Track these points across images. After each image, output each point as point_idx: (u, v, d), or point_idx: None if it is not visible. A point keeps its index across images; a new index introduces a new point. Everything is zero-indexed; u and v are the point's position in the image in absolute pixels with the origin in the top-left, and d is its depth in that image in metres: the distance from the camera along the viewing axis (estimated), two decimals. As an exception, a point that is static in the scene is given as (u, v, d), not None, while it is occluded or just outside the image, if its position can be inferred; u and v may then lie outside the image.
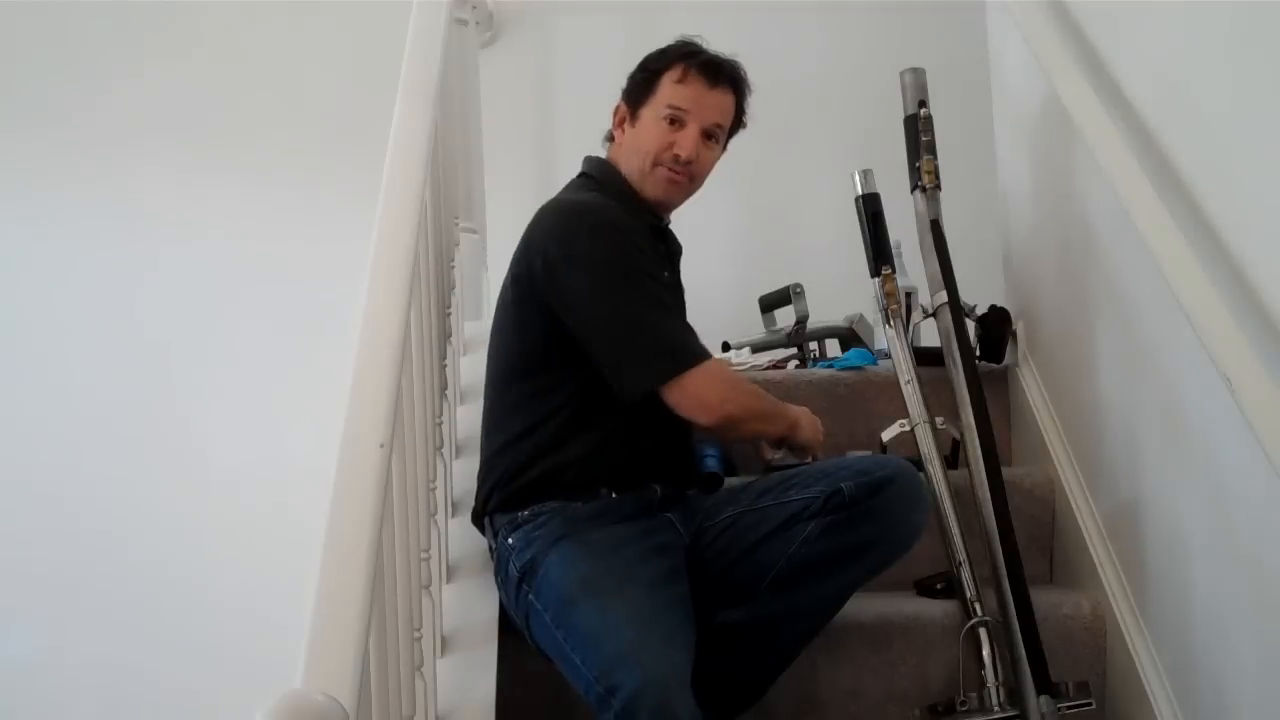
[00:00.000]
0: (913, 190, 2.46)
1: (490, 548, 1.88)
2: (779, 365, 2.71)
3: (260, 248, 3.15)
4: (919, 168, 2.44)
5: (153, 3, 3.30)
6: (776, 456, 1.95)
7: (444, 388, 2.05)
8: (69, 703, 2.88)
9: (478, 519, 1.92)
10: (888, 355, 2.42)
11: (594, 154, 2.03)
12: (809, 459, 1.95)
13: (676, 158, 1.92)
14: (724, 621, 1.82)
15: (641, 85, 1.96)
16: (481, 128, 2.75)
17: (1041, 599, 2.04)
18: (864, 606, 1.98)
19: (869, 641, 2.01)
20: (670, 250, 2.04)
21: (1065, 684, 1.95)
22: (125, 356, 3.11)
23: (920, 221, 2.43)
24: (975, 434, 2.17)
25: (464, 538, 1.98)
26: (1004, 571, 2.03)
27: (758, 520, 1.82)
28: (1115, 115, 2.06)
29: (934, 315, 2.39)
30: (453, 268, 2.30)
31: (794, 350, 2.79)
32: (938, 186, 2.44)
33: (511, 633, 1.86)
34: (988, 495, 2.10)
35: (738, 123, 2.00)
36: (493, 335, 1.98)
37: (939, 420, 2.24)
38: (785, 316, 2.86)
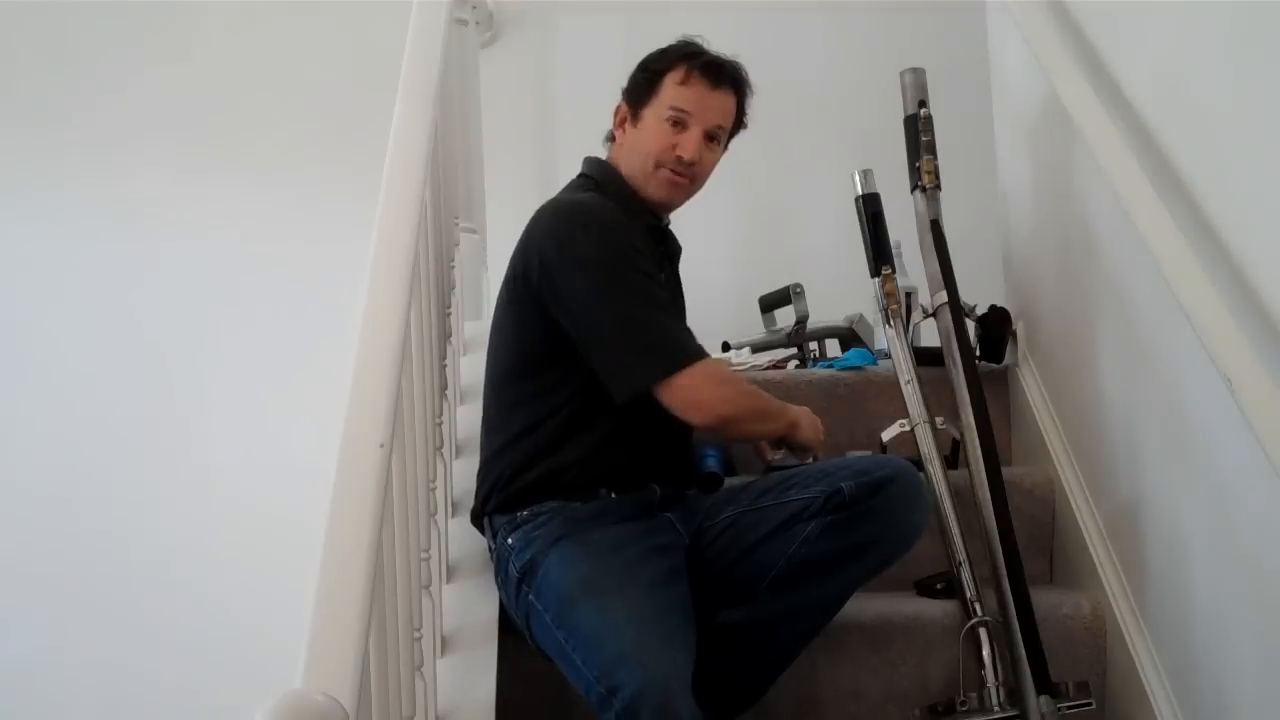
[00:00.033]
0: (913, 190, 2.46)
1: (490, 548, 1.88)
2: (779, 365, 2.71)
3: (260, 248, 3.15)
4: (919, 168, 2.44)
5: (153, 3, 3.30)
6: (777, 457, 1.95)
7: (444, 388, 2.05)
8: (69, 703, 2.88)
9: (477, 519, 1.92)
10: (888, 355, 2.42)
11: (594, 154, 2.03)
12: (810, 459, 1.94)
13: (679, 159, 1.92)
14: (724, 621, 1.82)
15: (643, 86, 1.95)
16: (481, 128, 2.75)
17: (1041, 599, 2.04)
18: (864, 606, 1.98)
19: (869, 641, 2.01)
20: (670, 251, 2.04)
21: (1065, 684, 1.95)
22: (125, 356, 3.11)
23: (920, 221, 2.43)
24: (975, 434, 2.17)
25: (464, 538, 1.98)
26: (1004, 571, 2.03)
27: (758, 520, 1.82)
28: (1115, 115, 2.06)
29: (934, 315, 2.39)
30: (453, 268, 2.30)
31: (794, 350, 2.79)
32: (938, 186, 2.44)
33: (511, 632, 1.86)
34: (988, 495, 2.10)
35: (738, 123, 2.00)
36: (492, 335, 1.98)
37: (939, 420, 2.24)
38: (785, 316, 2.86)
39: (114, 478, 3.00)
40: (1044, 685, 1.93)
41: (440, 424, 1.98)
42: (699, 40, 1.98)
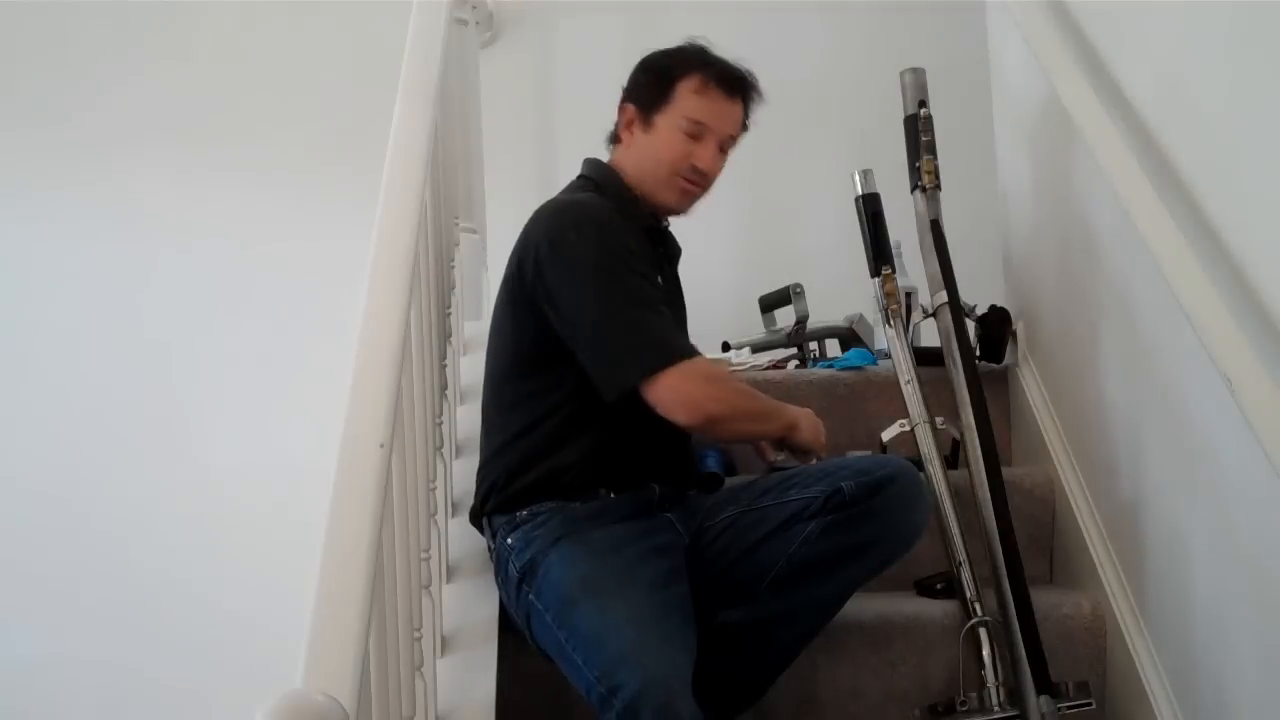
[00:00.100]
0: (913, 190, 2.46)
1: (489, 548, 1.88)
2: (779, 365, 2.71)
3: (260, 248, 3.15)
4: (919, 168, 2.44)
5: (153, 3, 3.30)
6: (779, 458, 1.94)
7: (444, 388, 2.05)
8: (69, 703, 2.88)
9: (476, 519, 1.92)
10: (888, 355, 2.42)
11: (594, 154, 2.03)
12: (812, 460, 1.93)
13: (694, 169, 1.93)
14: (724, 621, 1.82)
15: (654, 90, 1.94)
16: (481, 128, 2.75)
17: (1041, 599, 2.04)
18: (864, 606, 1.98)
19: (869, 641, 2.01)
20: (669, 252, 2.04)
21: (1065, 684, 1.95)
22: (125, 356, 3.11)
23: (920, 221, 2.43)
24: (975, 434, 2.17)
25: (464, 538, 1.98)
26: (1004, 571, 2.03)
27: (758, 520, 1.82)
28: (1115, 115, 2.06)
29: (934, 315, 2.39)
30: (453, 268, 2.30)
31: (794, 350, 2.79)
32: (938, 186, 2.44)
33: (511, 632, 1.86)
34: (988, 495, 2.10)
35: (742, 127, 2.00)
36: (491, 335, 1.98)
37: (939, 420, 2.24)
38: (785, 316, 2.86)
39: (114, 478, 3.00)
40: (1044, 685, 1.93)
41: (440, 424, 1.98)
42: (704, 42, 1.98)
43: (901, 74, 2.51)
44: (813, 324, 2.81)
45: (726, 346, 2.85)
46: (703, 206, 2.09)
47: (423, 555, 1.69)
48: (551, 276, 1.82)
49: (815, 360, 2.78)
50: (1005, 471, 2.17)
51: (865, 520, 1.77)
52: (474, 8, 2.87)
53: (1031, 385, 2.51)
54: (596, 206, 1.90)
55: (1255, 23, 1.75)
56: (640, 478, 1.86)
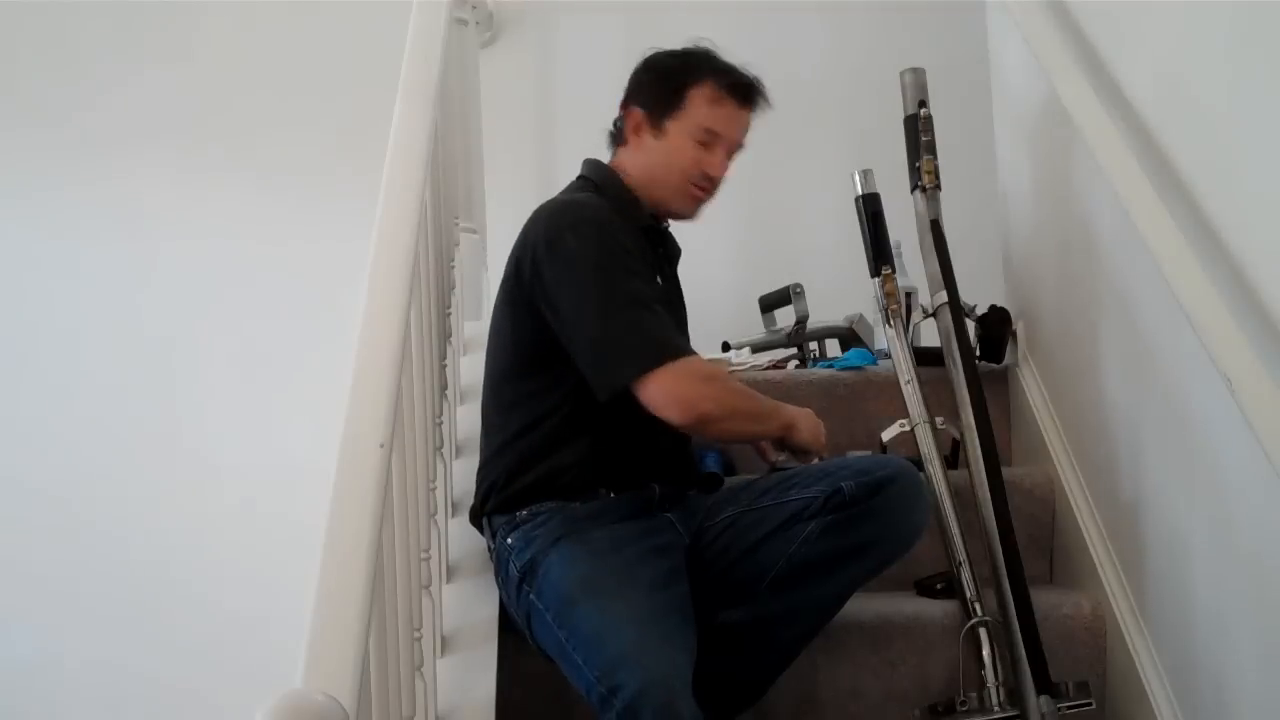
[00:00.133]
0: (913, 190, 2.46)
1: (489, 548, 1.88)
2: (779, 365, 2.71)
3: (260, 248, 3.15)
4: (919, 168, 2.44)
5: (153, 3, 3.30)
6: (780, 459, 1.94)
7: (444, 388, 2.05)
8: (69, 703, 2.88)
9: (476, 519, 1.92)
10: (888, 355, 2.42)
11: (594, 154, 2.03)
12: (814, 461, 1.92)
13: (705, 175, 1.94)
14: (724, 621, 1.82)
15: (665, 95, 1.94)
16: (481, 128, 2.75)
17: (1041, 599, 2.04)
18: (864, 606, 1.98)
19: (869, 641, 2.01)
20: (669, 252, 2.04)
21: (1065, 684, 1.94)
22: (125, 356, 3.11)
23: (920, 221, 2.43)
24: (975, 434, 2.17)
25: (464, 538, 1.98)
26: (1004, 571, 2.03)
27: (758, 520, 1.82)
28: (1115, 115, 2.06)
29: (934, 315, 2.38)
30: (453, 268, 2.30)
31: (794, 350, 2.79)
32: (938, 186, 2.44)
33: (512, 632, 1.86)
34: (988, 495, 2.10)
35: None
36: (490, 335, 1.98)
37: (939, 420, 2.24)
38: (785, 316, 2.86)
39: (114, 478, 3.00)
40: (1044, 685, 1.93)
41: (440, 424, 1.98)
42: (709, 43, 1.97)
43: (901, 74, 2.51)
44: (813, 324, 2.81)
45: (726, 346, 2.85)
46: (702, 207, 2.09)
47: (423, 555, 1.69)
48: (548, 276, 1.82)
49: (815, 360, 2.78)
50: (1005, 471, 2.17)
51: (865, 520, 1.77)
52: (474, 8, 2.87)
53: (1031, 385, 2.51)
54: (594, 207, 1.90)
55: (1255, 23, 1.75)
56: (640, 478, 1.86)
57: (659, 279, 1.94)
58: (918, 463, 2.13)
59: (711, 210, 2.04)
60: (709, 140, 1.93)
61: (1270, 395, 1.57)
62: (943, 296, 2.35)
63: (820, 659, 1.99)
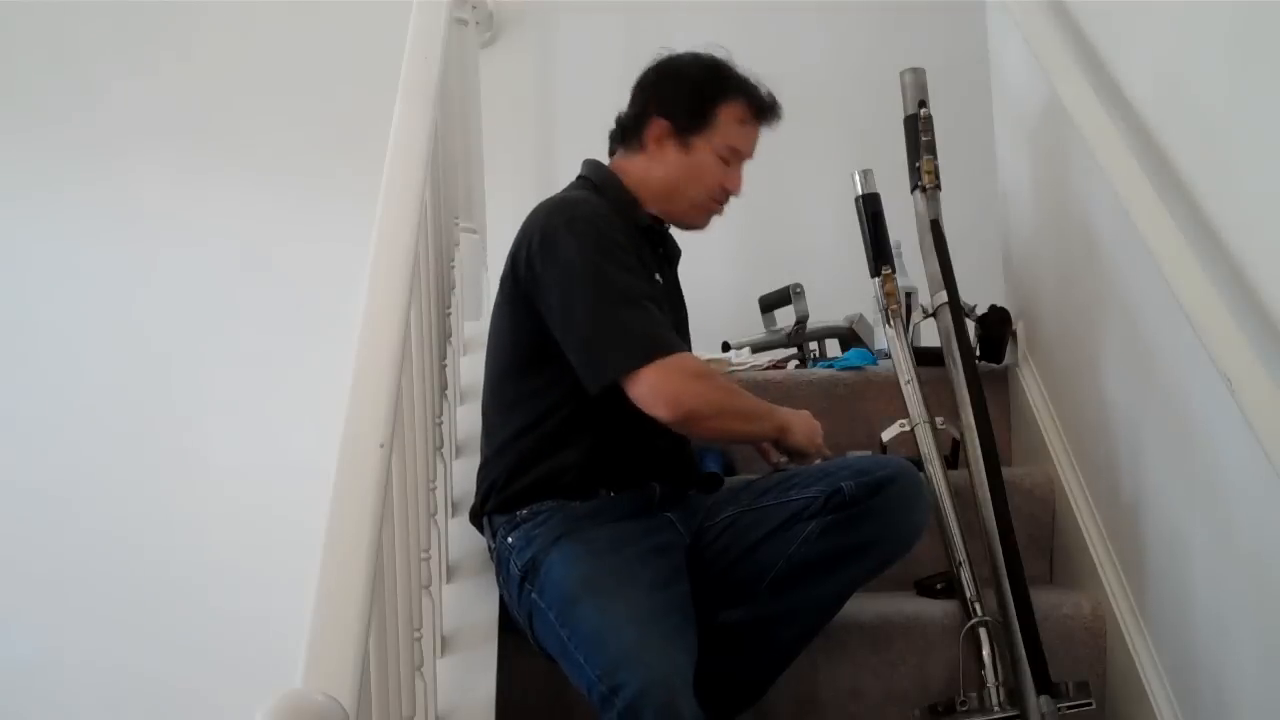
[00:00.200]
0: (913, 190, 2.46)
1: (489, 547, 1.88)
2: (779, 365, 2.71)
3: (260, 248, 3.15)
4: (919, 168, 2.44)
5: (152, 3, 3.30)
6: (781, 460, 1.94)
7: (444, 388, 2.05)
8: (69, 703, 2.88)
9: (476, 519, 1.92)
10: (888, 355, 2.42)
11: (594, 154, 2.03)
12: (816, 462, 1.92)
13: (724, 190, 1.97)
14: (724, 621, 1.82)
15: (696, 112, 1.94)
16: (481, 128, 2.75)
17: (1041, 599, 2.04)
18: (864, 606, 1.98)
19: (869, 641, 2.01)
20: (669, 253, 2.04)
21: (1065, 684, 1.94)
22: (125, 356, 3.11)
23: (920, 221, 2.43)
24: (975, 434, 2.17)
25: (464, 538, 1.98)
26: (1004, 571, 2.03)
27: (758, 520, 1.82)
28: (1115, 115, 2.06)
29: (934, 315, 2.38)
30: (453, 268, 2.30)
31: (794, 350, 2.79)
32: (938, 186, 2.44)
33: (511, 632, 1.86)
34: (988, 495, 2.10)
35: None
36: (490, 335, 1.98)
37: (939, 420, 2.24)
38: (785, 316, 2.86)
39: (114, 478, 3.00)
40: (1044, 685, 1.92)
41: (440, 424, 1.98)
42: (723, 51, 1.98)
43: (901, 74, 2.51)
44: (813, 324, 2.81)
45: (726, 346, 2.85)
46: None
47: (423, 555, 1.69)
48: (542, 271, 1.82)
49: (815, 360, 2.78)
50: (1005, 471, 2.17)
51: (865, 520, 1.77)
52: (474, 8, 2.87)
53: (1031, 385, 2.51)
54: (591, 204, 1.90)
55: (1255, 23, 1.75)
56: (640, 477, 1.86)
57: (659, 279, 1.94)
58: (918, 463, 2.13)
59: (712, 210, 2.04)
60: (731, 158, 1.96)
61: (1270, 395, 1.58)
62: (943, 296, 2.35)
63: (820, 659, 1.99)
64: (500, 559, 1.83)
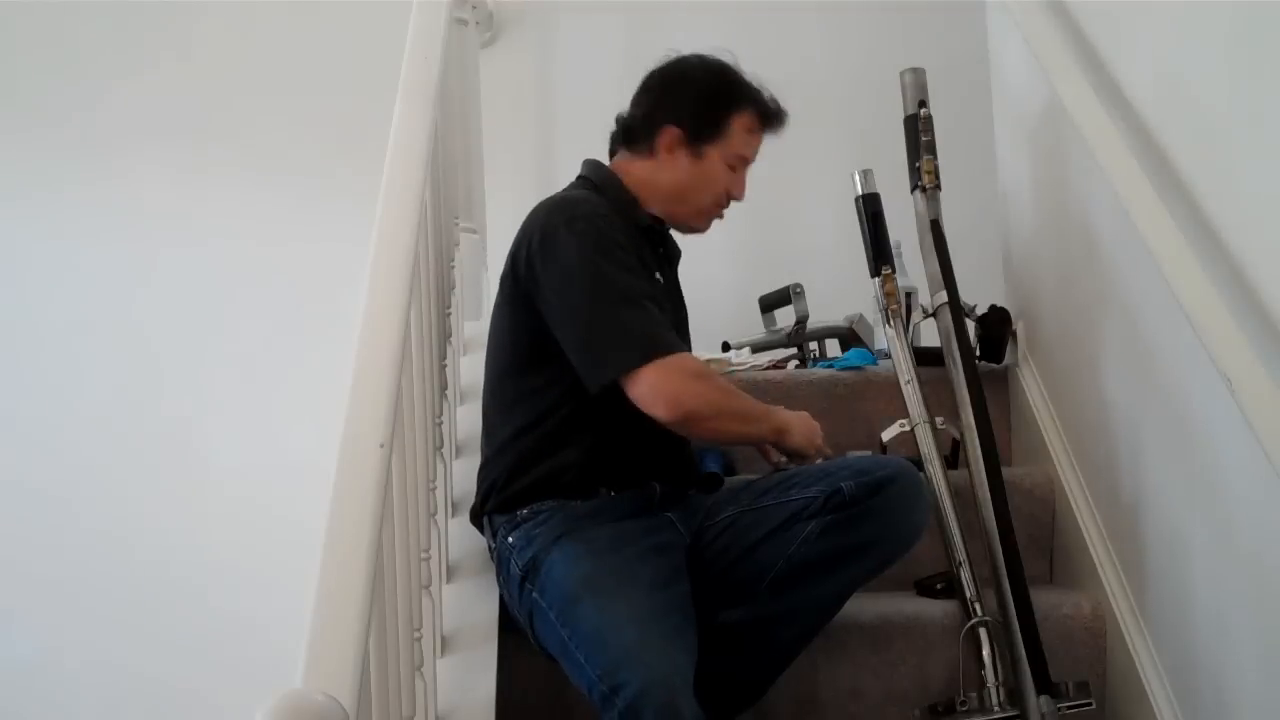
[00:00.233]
0: (913, 190, 2.46)
1: (490, 547, 1.88)
2: (779, 365, 2.71)
3: (260, 248, 3.15)
4: (919, 168, 2.44)
5: (152, 3, 3.30)
6: (781, 460, 1.94)
7: (444, 388, 2.05)
8: (69, 703, 2.88)
9: (476, 518, 1.92)
10: (888, 355, 2.42)
11: (594, 154, 2.03)
12: (817, 462, 1.92)
13: (730, 197, 1.99)
14: (724, 621, 1.82)
15: (709, 121, 1.95)
16: (481, 128, 2.75)
17: (1041, 599, 2.04)
18: (864, 606, 1.98)
19: (869, 641, 2.01)
20: (669, 253, 2.04)
21: (1065, 684, 1.94)
22: (125, 356, 3.11)
23: (920, 221, 2.43)
24: (975, 434, 2.17)
25: (464, 538, 1.98)
26: (1004, 571, 2.03)
27: (758, 520, 1.82)
28: (1115, 115, 2.06)
29: (934, 315, 2.38)
30: (453, 268, 2.30)
31: (794, 350, 2.79)
32: (938, 186, 2.44)
33: (511, 632, 1.86)
34: (988, 495, 2.10)
35: None
36: (490, 334, 1.98)
37: (939, 420, 2.24)
38: (785, 316, 2.86)
39: (114, 478, 3.00)
40: (1044, 685, 1.92)
41: (440, 424, 1.98)
42: (730, 55, 1.99)
43: (901, 74, 2.51)
44: (813, 324, 2.81)
45: (726, 346, 2.85)
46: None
47: (423, 555, 1.69)
48: (542, 271, 1.82)
49: (815, 360, 2.78)
50: (1005, 471, 2.17)
51: (865, 520, 1.77)
52: (474, 8, 2.87)
53: (1031, 385, 2.51)
54: (591, 203, 1.90)
55: (1255, 23, 1.75)
56: (641, 477, 1.86)
57: (659, 278, 1.94)
58: (918, 463, 2.13)
59: (711, 211, 2.04)
60: (738, 164, 1.98)
61: (1270, 395, 1.58)
62: (943, 296, 2.35)
63: (820, 659, 1.99)
64: (501, 559, 1.84)
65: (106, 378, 3.10)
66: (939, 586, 2.11)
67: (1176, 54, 1.96)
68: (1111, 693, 2.06)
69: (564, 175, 2.05)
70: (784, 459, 1.93)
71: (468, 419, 2.17)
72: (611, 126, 2.03)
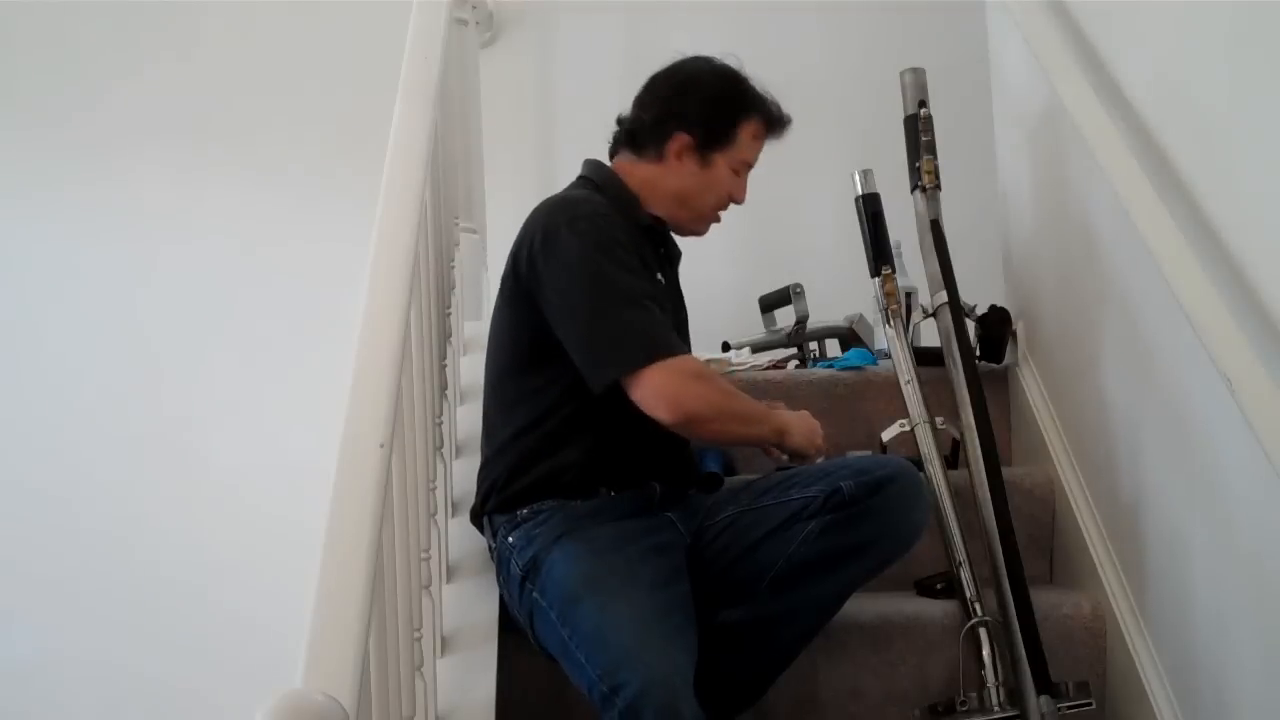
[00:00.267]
0: (913, 190, 2.46)
1: (490, 547, 1.88)
2: (779, 365, 2.71)
3: (260, 248, 3.16)
4: (919, 168, 2.44)
5: (153, 3, 3.31)
6: (783, 459, 1.94)
7: (444, 388, 2.05)
8: (69, 703, 2.88)
9: (476, 518, 1.92)
10: (888, 355, 2.42)
11: (593, 154, 2.03)
12: (818, 461, 1.92)
13: (732, 200, 2.01)
14: (724, 621, 1.82)
15: (719, 129, 1.96)
16: (481, 128, 2.75)
17: (1041, 599, 2.04)
18: (864, 606, 1.98)
19: (869, 641, 2.01)
20: (670, 254, 2.04)
21: (1065, 684, 1.95)
22: (125, 356, 3.11)
23: (920, 221, 2.43)
24: (975, 434, 2.17)
25: (464, 538, 1.98)
26: (1004, 571, 2.03)
27: (758, 519, 1.82)
28: (1115, 115, 2.06)
29: (934, 315, 2.38)
30: (453, 268, 2.30)
31: (794, 350, 2.79)
32: (938, 186, 2.44)
33: (511, 632, 1.86)
34: (988, 495, 2.10)
35: None
36: (490, 334, 1.98)
37: (939, 420, 2.24)
38: (785, 316, 2.86)
39: (114, 478, 3.00)
40: (1044, 685, 1.93)
41: (440, 424, 1.98)
42: (735, 60, 2.00)
43: (901, 74, 2.51)
44: (813, 324, 2.81)
45: (726, 346, 2.85)
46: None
47: (423, 555, 1.69)
48: (543, 270, 1.82)
49: (815, 360, 2.78)
50: (1005, 471, 2.17)
51: (865, 520, 1.77)
52: (474, 8, 2.87)
53: (1031, 385, 2.51)
54: (592, 203, 1.90)
55: (1255, 23, 1.75)
56: (641, 476, 1.86)
57: (660, 279, 1.94)
58: (918, 463, 2.13)
59: (711, 211, 2.04)
60: (742, 169, 1.99)
61: (1270, 395, 1.58)
62: (943, 296, 2.35)
63: (820, 659, 1.99)
64: (501, 558, 1.84)
65: (106, 378, 3.10)
66: (939, 586, 2.11)
67: (1176, 54, 1.96)
68: (1111, 693, 2.06)
69: (564, 175, 2.05)
70: (784, 457, 1.93)
71: (468, 419, 2.17)
72: (612, 127, 2.03)
